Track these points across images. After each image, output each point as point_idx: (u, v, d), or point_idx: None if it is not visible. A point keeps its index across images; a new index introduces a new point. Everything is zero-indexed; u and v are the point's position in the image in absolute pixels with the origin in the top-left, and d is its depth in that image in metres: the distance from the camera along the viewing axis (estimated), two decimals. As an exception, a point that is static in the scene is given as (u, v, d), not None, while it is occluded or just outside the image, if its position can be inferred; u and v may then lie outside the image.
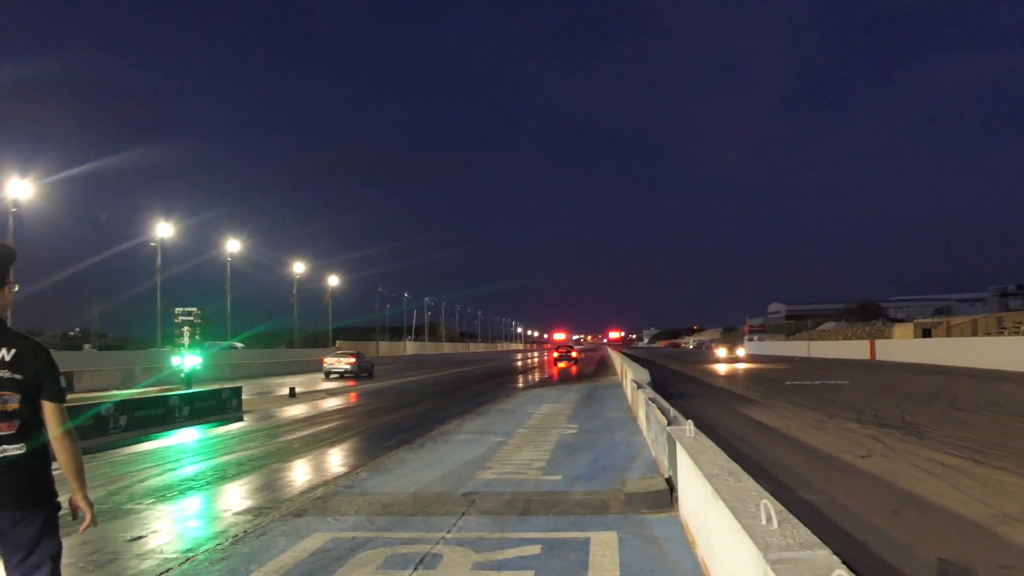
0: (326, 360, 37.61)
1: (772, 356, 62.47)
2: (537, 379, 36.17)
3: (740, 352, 52.69)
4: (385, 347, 79.12)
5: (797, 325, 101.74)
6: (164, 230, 42.26)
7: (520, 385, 31.04)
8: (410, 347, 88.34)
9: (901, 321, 70.73)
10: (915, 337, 50.57)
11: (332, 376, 36.12)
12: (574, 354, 60.65)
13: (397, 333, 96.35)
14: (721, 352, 52.47)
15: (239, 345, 52.53)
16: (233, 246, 51.22)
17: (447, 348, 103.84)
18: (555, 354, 59.53)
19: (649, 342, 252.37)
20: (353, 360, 36.98)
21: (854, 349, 55.46)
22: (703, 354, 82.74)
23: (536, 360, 76.94)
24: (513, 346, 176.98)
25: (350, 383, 33.53)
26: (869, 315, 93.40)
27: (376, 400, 23.94)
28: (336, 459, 11.51)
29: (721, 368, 40.21)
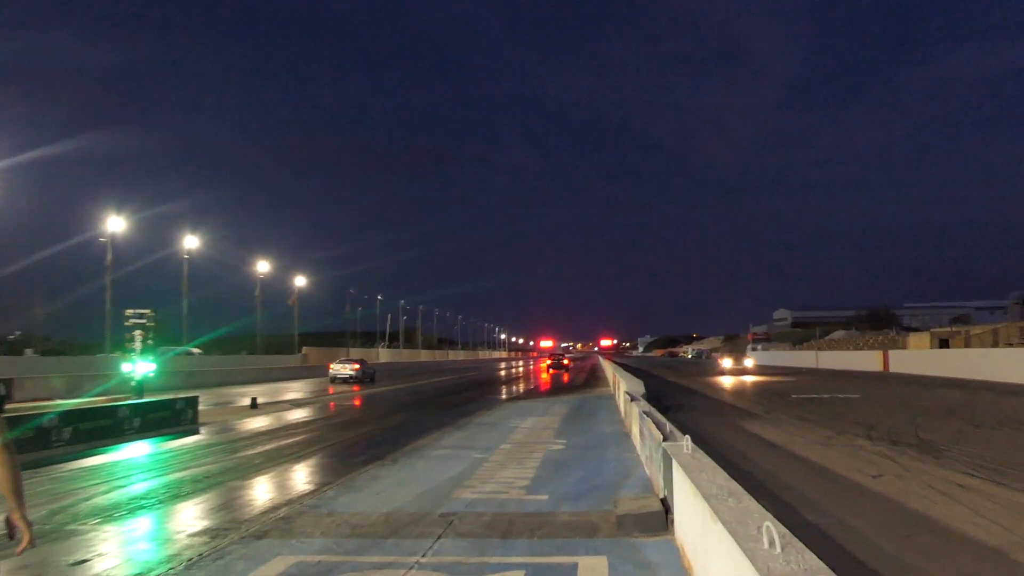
0: (332, 366, 44.66)
1: (777, 367, 62.83)
2: (522, 390, 36.21)
3: (748, 363, 52.76)
4: (356, 354, 78.68)
5: (804, 333, 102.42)
6: (115, 224, 41.90)
7: (503, 396, 31.08)
8: (383, 354, 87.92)
9: (916, 330, 71.35)
10: (931, 347, 51.06)
11: (337, 381, 42.27)
12: (566, 362, 68.71)
13: (369, 339, 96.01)
14: (726, 363, 52.56)
15: (196, 351, 52.21)
16: (191, 243, 50.85)
17: (424, 356, 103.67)
18: (548, 361, 68.59)
19: (644, 351, 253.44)
20: (358, 366, 44.01)
21: (866, 360, 55.89)
22: (703, 364, 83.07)
23: (521, 369, 76.89)
24: (496, 354, 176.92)
25: (354, 388, 37.69)
26: (881, 323, 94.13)
27: (346, 412, 23.89)
28: (301, 476, 11.47)
29: (725, 380, 40.35)
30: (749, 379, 41.36)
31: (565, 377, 50.94)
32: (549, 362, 68.49)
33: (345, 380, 42.30)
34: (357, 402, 28.15)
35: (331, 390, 36.10)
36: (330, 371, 43.89)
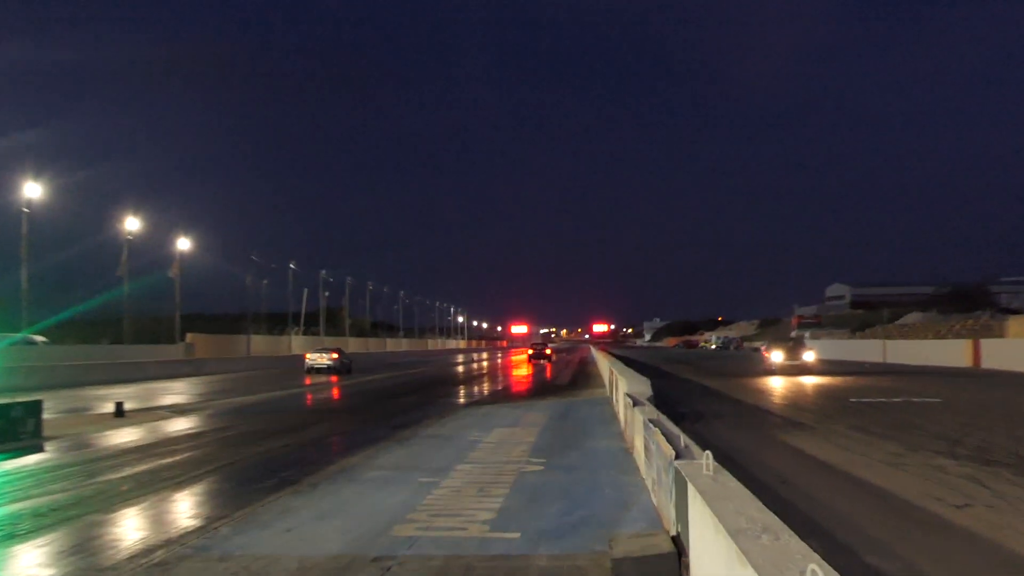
0: (308, 356, 56.92)
1: (831, 361, 63.37)
2: (486, 392, 36.51)
3: (808, 357, 49.67)
4: (261, 343, 78.11)
5: (867, 317, 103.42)
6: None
7: (461, 400, 31.33)
8: (297, 343, 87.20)
9: (1017, 313, 72.36)
10: (1037, 336, 51.83)
11: (314, 371, 53.81)
12: (548, 351, 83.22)
13: (278, 322, 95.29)
14: (775, 356, 49.70)
15: (39, 339, 51.64)
16: (33, 191, 50.01)
17: (353, 345, 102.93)
18: (529, 351, 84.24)
19: (651, 339, 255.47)
20: (336, 355, 55.78)
21: (949, 352, 56.65)
22: (733, 357, 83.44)
23: (485, 364, 77.11)
24: (452, 343, 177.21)
25: (332, 379, 45.19)
26: (971, 304, 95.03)
27: (246, 421, 23.76)
28: (185, 507, 11.43)
29: (762, 380, 40.36)
30: (795, 379, 41.35)
31: (547, 372, 53.21)
32: (531, 351, 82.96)
33: (321, 370, 54.18)
34: (206, 415, 28.03)
35: (308, 380, 45.77)
36: (307, 361, 55.98)
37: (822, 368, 49.20)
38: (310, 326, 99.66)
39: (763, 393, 32.10)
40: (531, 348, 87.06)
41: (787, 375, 44.47)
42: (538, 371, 57.57)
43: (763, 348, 58.56)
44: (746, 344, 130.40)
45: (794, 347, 51.45)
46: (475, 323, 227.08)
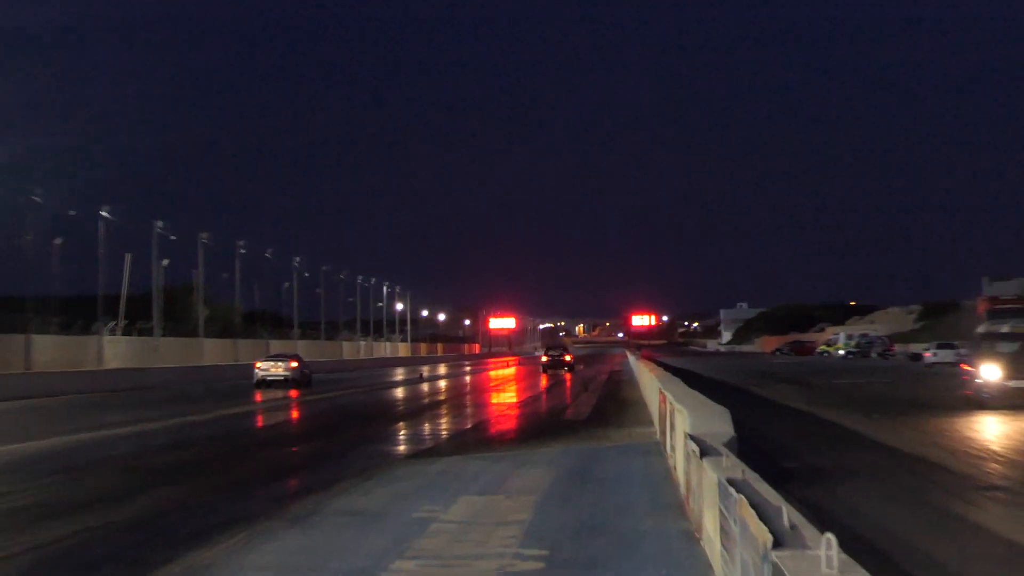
0: (259, 365, 70.77)
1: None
2: (444, 431, 37.33)
3: None
4: (52, 348, 76.68)
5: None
6: None
7: (399, 447, 31.82)
8: (112, 350, 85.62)
9: None
10: None
11: (265, 384, 67.20)
12: (569, 358, 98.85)
13: (83, 311, 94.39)
14: (990, 373, 41.81)
15: None
16: None
17: (211, 352, 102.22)
18: (543, 359, 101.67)
19: (734, 338, 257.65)
20: (295, 364, 69.74)
21: None
22: (884, 372, 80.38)
23: (443, 383, 77.89)
24: (385, 348, 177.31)
25: (292, 394, 53.50)
26: None
27: (25, 485, 23.39)
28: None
29: (957, 420, 37.14)
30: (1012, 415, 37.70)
31: (565, 396, 56.06)
32: (544, 360, 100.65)
33: (274, 383, 67.47)
34: None
35: (259, 397, 57.64)
36: (256, 371, 69.36)
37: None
38: (137, 319, 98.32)
39: (933, 436, 31.66)
40: (545, 355, 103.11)
41: (1006, 410, 38.96)
42: (536, 395, 58.17)
43: (930, 353, 55.74)
44: (898, 347, 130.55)
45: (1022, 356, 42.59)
46: (425, 314, 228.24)
